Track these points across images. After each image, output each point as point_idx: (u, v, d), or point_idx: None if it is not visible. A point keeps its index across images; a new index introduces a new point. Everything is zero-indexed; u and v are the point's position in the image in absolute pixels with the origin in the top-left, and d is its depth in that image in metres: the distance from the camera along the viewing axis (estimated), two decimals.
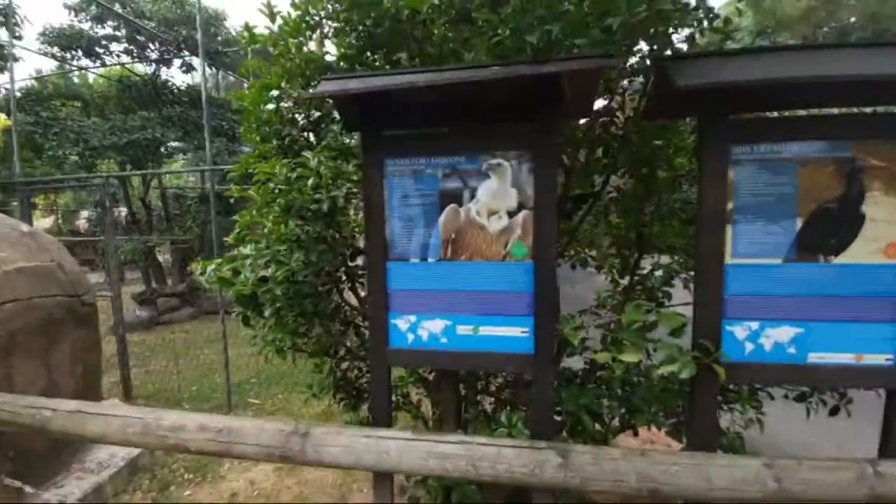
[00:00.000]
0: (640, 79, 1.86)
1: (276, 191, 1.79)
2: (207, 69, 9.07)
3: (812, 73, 1.13)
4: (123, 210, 10.39)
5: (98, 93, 10.08)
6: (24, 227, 2.79)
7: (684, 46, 1.79)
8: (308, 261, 1.76)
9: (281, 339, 1.86)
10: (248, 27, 2.07)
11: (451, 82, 1.30)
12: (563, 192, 2.02)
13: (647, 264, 2.22)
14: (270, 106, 2.16)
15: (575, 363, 2.16)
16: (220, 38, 9.72)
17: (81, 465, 2.84)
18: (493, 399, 2.33)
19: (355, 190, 1.92)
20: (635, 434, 2.06)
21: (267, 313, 1.82)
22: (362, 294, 2.33)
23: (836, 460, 1.27)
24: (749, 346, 1.38)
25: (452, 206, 1.53)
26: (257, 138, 2.18)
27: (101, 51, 9.09)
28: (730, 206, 1.35)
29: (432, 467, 1.46)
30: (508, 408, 2.16)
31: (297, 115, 2.22)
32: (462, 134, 1.59)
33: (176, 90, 9.58)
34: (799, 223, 1.34)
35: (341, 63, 2.10)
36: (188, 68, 10.17)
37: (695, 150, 2.03)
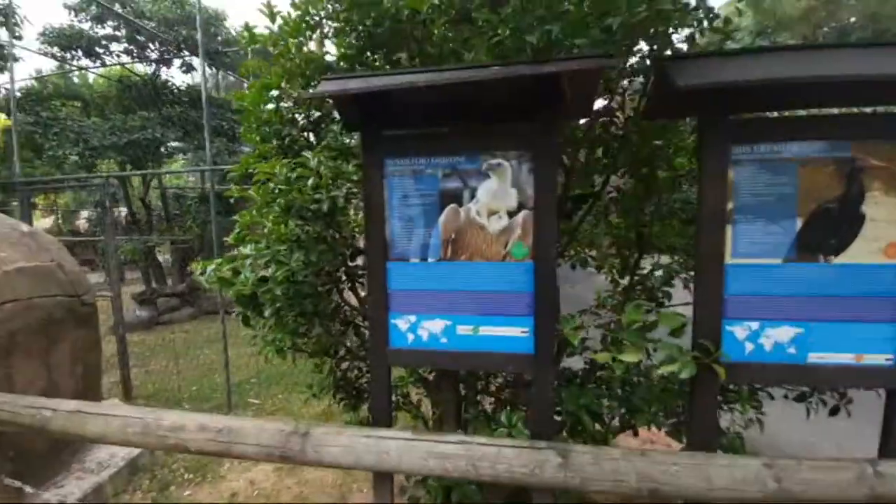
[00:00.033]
0: (640, 79, 1.86)
1: (276, 191, 1.79)
2: (207, 69, 9.07)
3: (812, 73, 1.13)
4: (123, 210, 10.40)
5: (98, 93, 10.08)
6: (24, 227, 2.79)
7: (684, 46, 1.79)
8: (308, 261, 1.76)
9: (281, 339, 1.86)
10: (248, 27, 2.07)
11: (451, 82, 1.30)
12: (563, 192, 2.02)
13: (647, 264, 2.22)
14: (270, 106, 2.16)
15: (575, 363, 2.16)
16: (220, 38, 9.73)
17: (81, 465, 2.84)
18: (493, 399, 2.33)
19: (355, 190, 1.92)
20: (635, 434, 2.06)
21: (267, 313, 1.82)
22: (362, 294, 2.33)
23: (836, 460, 1.27)
24: (749, 346, 1.38)
25: (452, 206, 1.53)
26: (257, 138, 2.18)
27: (101, 51, 9.10)
28: (730, 206, 1.35)
29: (432, 467, 1.46)
30: (508, 408, 2.16)
31: (297, 115, 2.22)
32: (462, 134, 1.59)
33: (176, 90, 9.58)
34: (799, 223, 1.34)
35: (341, 63, 2.10)
36: (188, 68, 10.17)
37: (695, 150, 2.02)
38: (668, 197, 2.04)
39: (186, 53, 9.48)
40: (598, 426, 1.88)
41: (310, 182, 1.75)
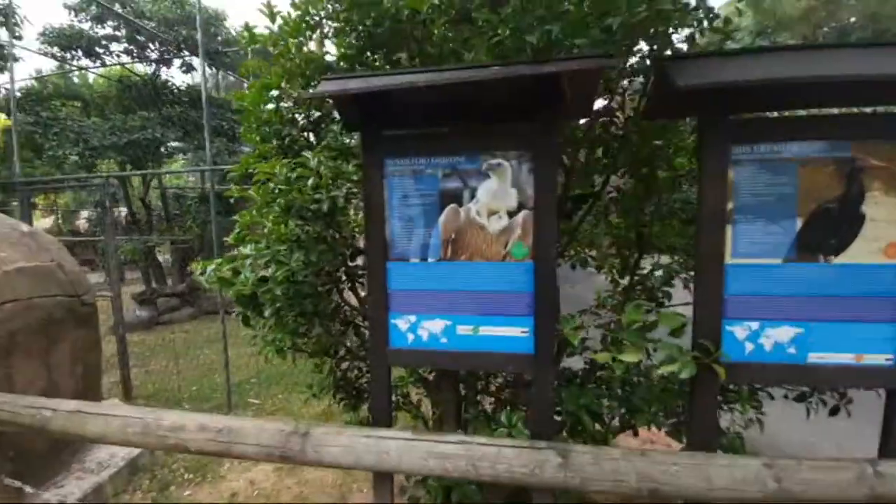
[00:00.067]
0: (640, 79, 1.86)
1: (276, 191, 1.79)
2: (207, 69, 9.07)
3: (812, 73, 1.13)
4: (123, 210, 10.40)
5: (98, 93, 10.08)
6: (24, 228, 2.79)
7: (684, 46, 1.79)
8: (308, 261, 1.76)
9: (281, 340, 1.86)
10: (248, 27, 2.07)
11: (451, 82, 1.30)
12: (562, 192, 2.02)
13: (646, 264, 2.22)
14: (270, 106, 2.16)
15: (575, 363, 2.16)
16: (220, 38, 9.73)
17: (81, 465, 2.84)
18: (493, 399, 2.33)
19: (355, 190, 1.92)
20: (635, 434, 2.06)
21: (267, 313, 1.82)
22: (362, 294, 2.33)
23: (836, 460, 1.27)
24: (749, 346, 1.38)
25: (452, 206, 1.53)
26: (257, 138, 2.18)
27: (101, 51, 9.10)
28: (730, 206, 1.35)
29: (432, 467, 1.46)
30: (508, 408, 2.16)
31: (297, 115, 2.22)
32: (462, 134, 1.59)
33: (176, 90, 9.58)
34: (799, 223, 1.34)
35: (341, 63, 2.10)
36: (188, 68, 10.18)
37: (695, 151, 2.03)
38: (668, 197, 2.04)
39: (186, 53, 9.48)
40: (598, 426, 1.88)
41: (310, 182, 1.75)
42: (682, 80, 1.16)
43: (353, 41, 2.02)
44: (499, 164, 1.48)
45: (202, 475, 3.13)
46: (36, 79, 10.19)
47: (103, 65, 9.48)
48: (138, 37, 9.07)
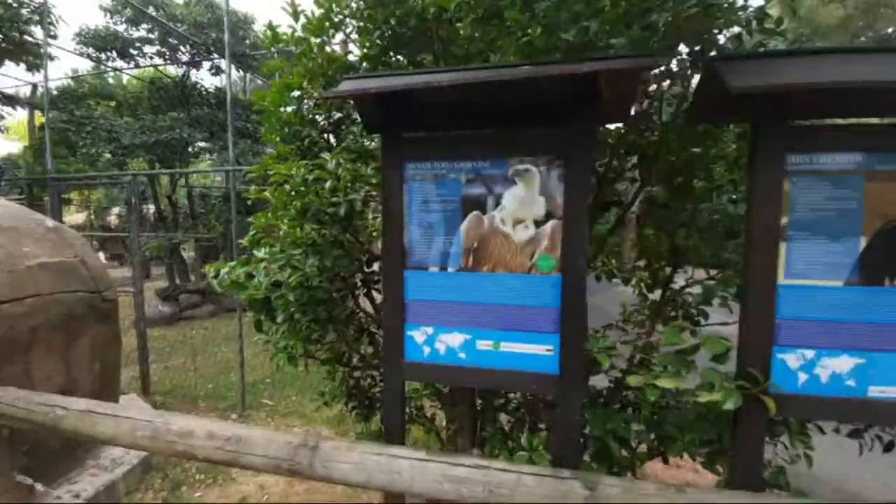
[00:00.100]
0: (680, 82, 1.74)
1: (293, 193, 1.73)
2: (235, 72, 9.26)
3: (891, 79, 0.99)
4: (151, 207, 10.70)
5: (131, 93, 10.42)
6: (49, 223, 2.82)
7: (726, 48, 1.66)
8: (323, 266, 1.70)
9: (293, 346, 1.81)
10: (271, 26, 2.04)
11: (479, 81, 1.22)
12: (593, 200, 1.91)
13: (679, 279, 2.08)
14: (290, 109, 2.12)
15: (599, 381, 2.03)
16: (247, 41, 9.94)
17: (96, 461, 2.84)
18: (510, 416, 2.22)
19: (374, 193, 1.85)
20: (665, 461, 1.92)
21: (280, 319, 1.77)
22: (378, 301, 2.26)
23: None
24: (802, 377, 1.24)
25: (475, 213, 1.44)
26: (277, 139, 2.15)
27: (134, 52, 9.41)
28: (784, 220, 1.22)
29: (447, 491, 1.36)
30: (528, 427, 2.05)
31: (317, 117, 2.18)
32: (487, 137, 1.51)
33: (204, 92, 9.82)
34: (863, 242, 1.20)
35: (364, 63, 2.04)
36: (217, 71, 10.43)
37: (736, 160, 1.89)
38: (706, 208, 1.91)
39: (216, 56, 9.70)
40: (624, 452, 1.76)
41: (327, 185, 1.69)
42: (736, 82, 1.05)
43: (377, 41, 1.96)
44: (527, 170, 1.39)
45: (213, 477, 3.11)
46: (72, 78, 10.60)
47: (136, 66, 9.79)
48: (170, 39, 9.33)
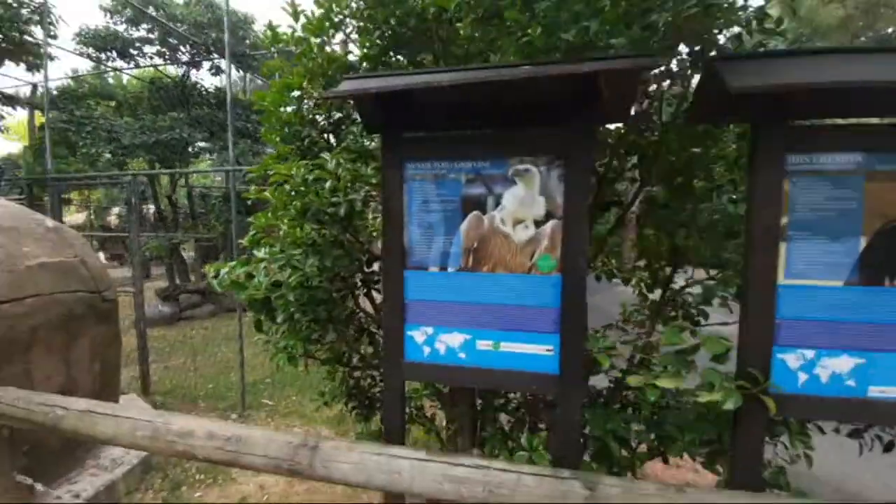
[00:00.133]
0: (680, 82, 1.74)
1: (293, 193, 1.73)
2: (235, 72, 9.27)
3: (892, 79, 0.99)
4: (152, 207, 10.69)
5: (131, 93, 10.42)
6: (49, 223, 2.82)
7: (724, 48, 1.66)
8: (323, 266, 1.70)
9: (293, 346, 1.81)
10: (270, 26, 2.04)
11: (479, 81, 1.22)
12: (593, 200, 1.91)
13: (679, 279, 2.08)
14: (290, 108, 2.12)
15: (599, 380, 2.03)
16: (247, 41, 9.94)
17: (96, 461, 2.84)
18: (510, 416, 2.22)
19: (374, 193, 1.85)
20: (665, 461, 1.92)
21: (280, 319, 1.76)
22: (378, 301, 2.26)
23: None
24: (803, 377, 1.24)
25: (475, 213, 1.44)
26: (277, 139, 2.15)
27: (134, 52, 9.41)
28: (784, 220, 1.22)
29: (447, 491, 1.36)
30: (527, 427, 2.05)
31: (317, 117, 2.18)
32: (487, 137, 1.51)
33: (204, 92, 9.82)
34: (863, 242, 1.20)
35: (364, 63, 2.04)
36: (217, 71, 10.43)
37: (736, 160, 1.89)
38: (707, 208, 1.91)
39: (216, 56, 9.70)
40: (624, 452, 1.76)
41: (327, 185, 1.69)
42: (736, 82, 1.05)
43: (377, 41, 1.96)
44: (527, 170, 1.39)
45: (213, 477, 3.11)
46: (72, 78, 10.60)
47: (136, 66, 9.79)
48: (170, 39, 9.33)
